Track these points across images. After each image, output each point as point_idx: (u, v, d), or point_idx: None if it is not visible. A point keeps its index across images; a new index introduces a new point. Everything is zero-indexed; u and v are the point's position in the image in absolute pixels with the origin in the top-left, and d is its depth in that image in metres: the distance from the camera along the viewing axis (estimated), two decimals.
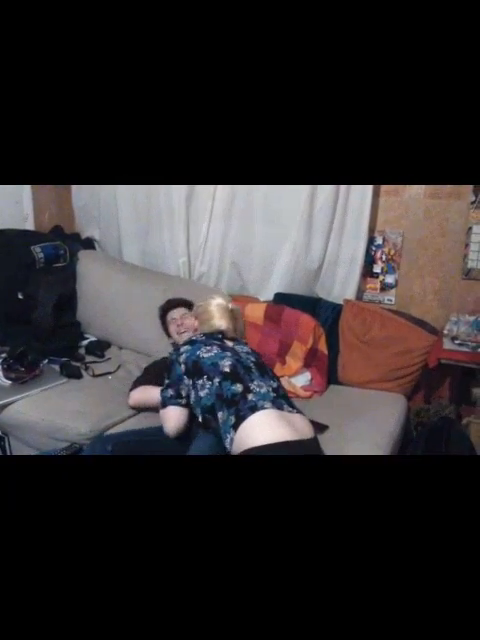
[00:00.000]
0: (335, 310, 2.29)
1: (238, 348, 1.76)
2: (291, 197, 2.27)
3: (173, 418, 1.65)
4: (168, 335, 2.16)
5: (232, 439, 1.42)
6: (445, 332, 2.09)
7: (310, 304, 2.32)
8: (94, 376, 2.16)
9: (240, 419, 1.42)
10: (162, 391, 1.70)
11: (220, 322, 1.89)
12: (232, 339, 1.86)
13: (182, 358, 1.70)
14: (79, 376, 2.14)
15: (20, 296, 2.32)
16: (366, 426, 1.83)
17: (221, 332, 1.86)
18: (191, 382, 1.63)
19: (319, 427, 1.69)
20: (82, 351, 2.38)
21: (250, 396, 1.48)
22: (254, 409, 1.44)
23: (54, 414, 1.90)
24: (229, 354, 1.66)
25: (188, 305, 2.16)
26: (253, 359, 1.70)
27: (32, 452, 1.86)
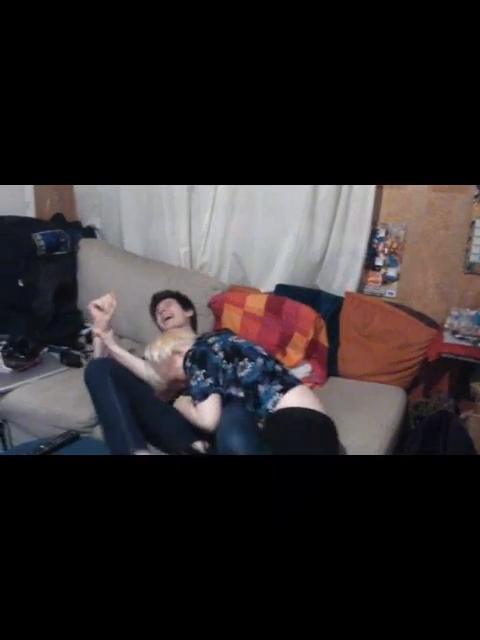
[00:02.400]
0: (336, 302, 2.29)
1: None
2: (294, 189, 2.26)
3: (214, 407, 1.59)
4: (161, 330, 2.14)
5: (276, 401, 1.58)
6: (446, 326, 2.09)
7: (311, 296, 2.32)
8: None
9: (288, 385, 1.61)
10: (199, 382, 1.62)
11: (191, 334, 1.96)
12: None
13: (216, 347, 1.72)
14: (79, 365, 2.15)
15: (21, 284, 2.31)
16: (365, 418, 1.84)
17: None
18: (231, 365, 1.67)
19: None
20: (82, 340, 2.38)
21: (290, 373, 1.70)
22: (297, 383, 1.65)
23: (54, 402, 1.90)
24: (253, 343, 1.80)
25: (173, 295, 2.20)
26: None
27: (31, 439, 1.87)
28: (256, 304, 2.27)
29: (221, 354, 1.70)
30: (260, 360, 1.67)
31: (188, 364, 1.70)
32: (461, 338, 1.99)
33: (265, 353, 1.73)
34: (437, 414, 2.04)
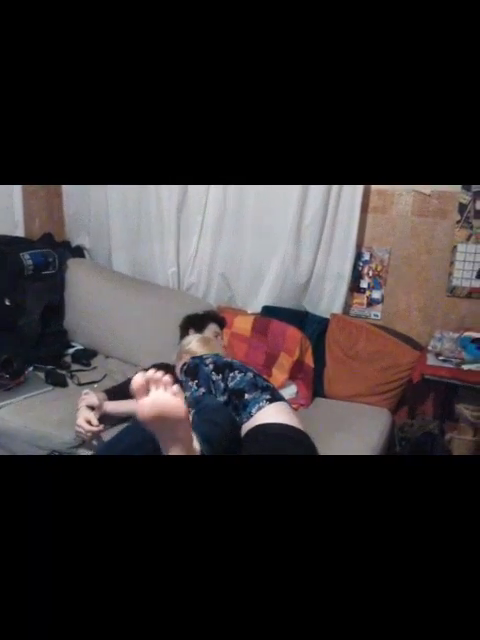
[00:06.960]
0: (322, 324, 2.31)
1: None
2: (280, 212, 2.30)
3: None
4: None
5: (262, 407, 1.58)
6: (429, 348, 2.12)
7: (297, 317, 2.34)
8: (79, 385, 2.15)
9: (275, 399, 1.63)
10: (193, 392, 1.70)
11: (219, 350, 2.01)
12: None
13: (208, 360, 1.78)
14: (64, 384, 2.13)
15: (7, 302, 2.30)
16: (350, 439, 1.84)
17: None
18: (220, 376, 1.70)
19: None
20: (68, 359, 2.36)
21: (279, 393, 1.71)
22: (283, 400, 1.67)
23: (38, 422, 1.88)
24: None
25: (221, 325, 2.27)
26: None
27: None
28: (243, 325, 2.29)
29: (211, 366, 1.74)
30: (250, 374, 1.71)
31: (182, 378, 1.77)
32: (444, 360, 2.02)
33: (256, 371, 1.77)
34: (422, 436, 2.06)
